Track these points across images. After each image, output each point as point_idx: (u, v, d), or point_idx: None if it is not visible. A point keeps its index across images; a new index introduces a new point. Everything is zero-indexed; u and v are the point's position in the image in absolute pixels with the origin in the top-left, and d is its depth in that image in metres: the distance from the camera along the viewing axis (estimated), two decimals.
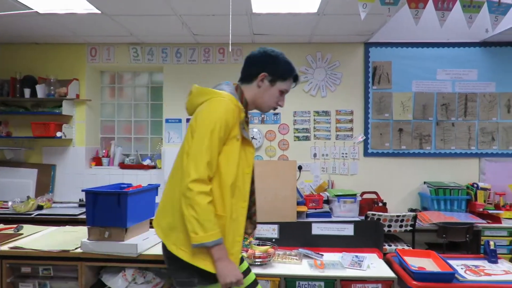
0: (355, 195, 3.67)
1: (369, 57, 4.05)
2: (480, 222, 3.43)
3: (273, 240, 2.72)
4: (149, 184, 2.48)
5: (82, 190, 2.21)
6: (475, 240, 3.43)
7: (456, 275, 2.19)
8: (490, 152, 3.99)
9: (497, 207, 3.70)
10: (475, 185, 3.79)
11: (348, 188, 3.90)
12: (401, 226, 3.35)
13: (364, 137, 4.05)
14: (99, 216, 2.14)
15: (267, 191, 3.34)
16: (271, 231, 2.77)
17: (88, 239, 2.18)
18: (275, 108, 1.71)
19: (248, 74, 1.65)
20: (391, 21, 3.19)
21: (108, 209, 2.12)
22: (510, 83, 3.98)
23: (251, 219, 1.80)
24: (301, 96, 4.07)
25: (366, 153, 4.05)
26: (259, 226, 2.77)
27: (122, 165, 4.18)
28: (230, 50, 3.86)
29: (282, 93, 1.68)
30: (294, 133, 4.08)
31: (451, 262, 2.44)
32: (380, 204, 3.79)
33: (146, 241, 2.25)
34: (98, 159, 4.23)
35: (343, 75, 4.07)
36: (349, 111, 4.07)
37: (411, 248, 3.31)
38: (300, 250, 2.60)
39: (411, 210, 3.86)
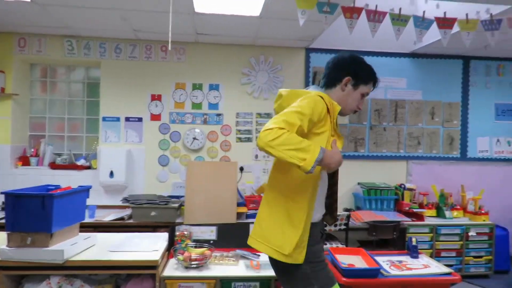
0: None
1: (310, 62, 4.19)
2: (406, 220, 3.71)
3: (211, 242, 2.72)
4: (79, 186, 2.35)
5: (2, 193, 2.04)
6: (401, 237, 3.69)
7: (381, 270, 2.34)
8: (416, 155, 4.33)
9: (421, 206, 4.02)
10: (403, 186, 4.08)
11: None
12: (336, 225, 3.51)
13: None
14: (20, 221, 1.99)
15: (207, 192, 3.32)
16: (209, 233, 2.77)
17: (7, 246, 2.02)
18: (355, 112, 1.76)
19: (332, 78, 1.69)
20: (331, 29, 3.33)
21: (31, 213, 1.98)
22: (434, 92, 4.35)
23: (332, 214, 1.78)
24: (244, 98, 4.10)
25: None
26: (196, 228, 2.76)
27: (53, 165, 3.91)
28: (170, 48, 3.78)
29: (363, 96, 1.72)
30: (237, 134, 4.11)
31: (378, 258, 2.60)
32: None
33: (74, 246, 2.13)
34: (26, 158, 3.92)
35: (285, 78, 4.17)
36: None
37: (344, 246, 3.48)
38: (238, 251, 2.63)
39: (346, 209, 4.06)
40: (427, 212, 3.98)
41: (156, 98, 4.01)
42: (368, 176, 4.26)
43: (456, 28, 2.79)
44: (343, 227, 3.52)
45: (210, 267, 2.39)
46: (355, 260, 2.51)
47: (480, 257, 3.86)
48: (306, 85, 4.18)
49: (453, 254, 3.83)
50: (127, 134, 3.97)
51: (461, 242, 3.83)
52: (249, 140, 4.12)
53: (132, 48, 3.96)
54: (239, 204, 3.59)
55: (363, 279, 2.25)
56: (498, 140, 4.45)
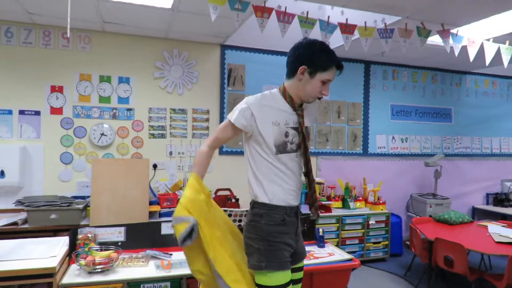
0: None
1: (225, 58, 4.20)
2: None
3: (119, 243, 2.56)
4: None
5: None
6: (311, 228, 3.90)
7: None
8: (325, 151, 4.62)
9: (329, 198, 4.30)
10: None
11: None
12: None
13: None
14: None
15: (115, 191, 3.12)
16: (117, 234, 2.60)
17: None
18: (319, 98, 1.78)
19: (291, 68, 1.74)
20: (246, 27, 3.37)
21: None
22: (340, 93, 4.68)
23: (313, 205, 1.94)
24: (157, 92, 3.95)
25: (221, 152, 4.19)
26: (102, 230, 2.57)
27: None
28: (68, 35, 3.46)
29: (325, 83, 1.72)
30: (149, 130, 3.94)
31: None
32: (233, 201, 3.96)
33: None
34: None
35: (200, 74, 4.11)
36: (205, 110, 4.14)
37: None
38: (148, 251, 2.52)
39: None
40: (334, 204, 4.27)
41: (56, 89, 3.64)
42: None
43: (357, 34, 3.03)
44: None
45: (117, 270, 2.25)
46: None
47: (379, 242, 4.28)
48: (222, 82, 4.19)
49: (356, 241, 4.18)
50: (21, 129, 3.54)
51: (363, 230, 4.19)
52: (162, 136, 3.98)
53: (27, 33, 3.53)
54: (151, 203, 3.45)
55: None
56: (393, 138, 4.97)
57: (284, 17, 2.74)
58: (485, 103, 5.51)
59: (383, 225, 4.29)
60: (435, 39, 3.58)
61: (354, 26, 3.01)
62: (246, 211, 3.45)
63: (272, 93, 1.79)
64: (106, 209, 3.08)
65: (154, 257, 2.48)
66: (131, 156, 3.86)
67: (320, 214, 3.99)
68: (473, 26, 3.30)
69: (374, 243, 4.25)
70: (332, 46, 4.16)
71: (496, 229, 3.49)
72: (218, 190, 4.02)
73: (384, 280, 3.78)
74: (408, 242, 4.36)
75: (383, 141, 4.92)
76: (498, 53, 3.52)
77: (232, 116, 1.72)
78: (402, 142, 5.01)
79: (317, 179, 4.36)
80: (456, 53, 3.32)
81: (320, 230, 2.90)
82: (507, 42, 3.51)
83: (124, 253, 2.46)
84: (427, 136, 5.14)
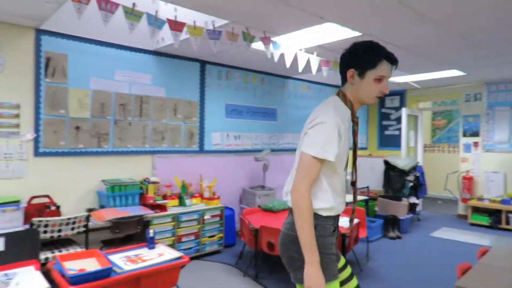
0: (18, 201, 3.18)
1: (41, 45, 3.63)
2: (149, 213, 3.81)
3: None
4: None
5: None
6: (146, 229, 3.76)
7: (114, 268, 2.28)
8: (161, 150, 4.53)
9: (165, 197, 4.24)
10: (147, 180, 4.18)
11: (13, 194, 3.35)
12: (73, 229, 3.20)
13: (35, 135, 3.60)
14: None
15: None
16: None
17: None
18: (379, 98, 1.66)
19: (342, 74, 1.68)
20: (69, 11, 2.96)
21: None
22: (177, 90, 4.67)
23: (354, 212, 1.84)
24: None
25: (37, 153, 3.62)
26: None
27: None
28: None
29: (380, 80, 1.61)
30: None
31: (115, 256, 2.54)
32: (53, 208, 3.48)
33: None
34: None
35: (7, 61, 3.45)
36: (14, 104, 3.49)
37: (84, 249, 3.22)
38: None
39: (89, 209, 3.78)
40: (170, 203, 4.23)
41: None
42: (113, 172, 4.13)
43: (187, 33, 3.05)
44: (82, 229, 3.26)
45: None
46: (87, 264, 2.35)
47: (214, 236, 4.45)
48: (37, 72, 3.60)
49: (192, 237, 4.25)
50: None
51: (199, 226, 4.29)
52: None
53: None
54: None
55: (94, 282, 2.12)
56: (227, 135, 5.25)
57: (107, 5, 2.52)
58: (303, 105, 6.39)
59: (217, 218, 4.48)
60: (260, 45, 3.92)
61: (183, 24, 3.02)
62: (68, 218, 3.08)
63: (335, 100, 1.69)
64: None
65: None
66: None
67: (155, 214, 3.89)
68: (290, 36, 3.75)
69: (209, 237, 4.41)
70: (164, 44, 4.13)
71: None
72: (32, 197, 3.47)
73: (217, 270, 3.96)
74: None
75: (218, 138, 5.14)
76: (308, 62, 4.11)
77: (324, 148, 1.53)
78: (236, 139, 5.35)
79: (152, 178, 4.24)
80: (276, 59, 3.72)
81: (151, 231, 2.81)
82: (315, 53, 4.13)
83: None
84: (257, 133, 5.63)
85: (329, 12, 3.08)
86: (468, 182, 6.57)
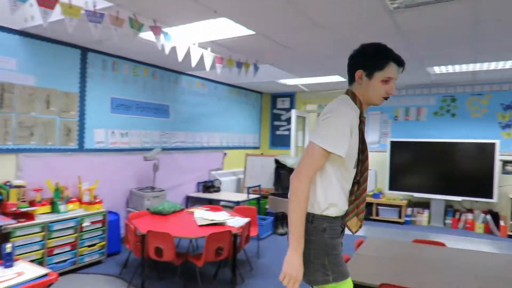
0: None
1: None
2: (9, 223, 3.20)
3: None
4: None
5: None
6: (5, 243, 3.14)
7: None
8: (29, 148, 3.86)
9: (32, 203, 3.62)
10: (9, 184, 3.51)
11: None
12: None
13: None
14: None
15: None
16: None
17: None
18: (386, 98, 1.70)
19: (350, 74, 1.72)
20: None
21: None
22: (51, 79, 4.04)
23: (359, 216, 1.74)
24: None
25: None
26: None
27: None
28: None
29: (387, 81, 1.65)
30: None
31: None
32: None
33: None
34: None
35: None
36: None
37: None
38: None
39: None
40: (40, 210, 3.64)
41: None
42: None
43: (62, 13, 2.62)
44: None
45: None
46: None
47: (94, 245, 3.98)
48: None
49: (68, 248, 3.72)
50: None
51: (76, 235, 3.78)
52: None
53: None
54: None
55: None
56: (113, 132, 4.77)
57: None
58: (198, 102, 6.22)
59: (99, 225, 4.02)
60: (150, 36, 3.63)
61: (55, 0, 2.58)
62: None
63: (346, 98, 1.70)
64: None
65: None
66: None
67: (18, 224, 3.29)
68: (182, 28, 3.54)
69: (89, 246, 3.92)
70: (34, 23, 3.53)
71: (200, 214, 3.93)
72: None
73: (97, 283, 3.54)
74: None
75: (102, 136, 4.63)
76: (202, 58, 3.97)
77: (334, 142, 1.55)
78: (123, 136, 4.90)
79: (16, 182, 3.58)
80: (167, 51, 3.48)
81: (8, 246, 2.32)
82: (209, 49, 4.01)
83: None
84: (147, 131, 5.25)
85: (222, 7, 2.98)
86: None
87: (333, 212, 1.62)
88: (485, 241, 5.38)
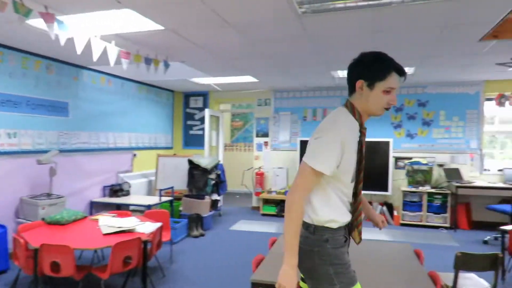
0: None
1: None
2: None
3: None
4: None
5: None
6: None
7: None
8: None
9: None
10: None
11: None
12: None
13: None
14: None
15: None
16: None
17: None
18: (387, 109, 1.66)
19: (350, 85, 1.68)
20: None
21: None
22: None
23: (358, 228, 1.74)
24: None
25: None
26: None
27: None
28: None
29: (388, 92, 1.61)
30: None
31: None
32: None
33: None
34: None
35: None
36: None
37: None
38: None
39: None
40: None
41: None
42: None
43: None
44: None
45: None
46: None
47: None
48: None
49: None
50: None
51: None
52: None
53: None
54: None
55: None
56: None
57: None
58: (102, 100, 5.74)
59: None
60: (42, 23, 3.21)
61: None
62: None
63: (343, 111, 1.67)
64: None
65: None
66: None
67: None
68: (80, 17, 3.20)
69: None
70: None
71: (106, 221, 3.61)
72: None
73: None
74: None
75: None
76: (105, 52, 3.65)
77: (322, 161, 1.56)
78: (10, 137, 4.27)
79: None
80: (62, 43, 3.11)
81: None
82: (113, 42, 3.70)
83: None
84: (41, 131, 4.66)
85: None
86: (260, 177, 7.41)
87: (334, 225, 1.63)
88: (382, 230, 5.94)
